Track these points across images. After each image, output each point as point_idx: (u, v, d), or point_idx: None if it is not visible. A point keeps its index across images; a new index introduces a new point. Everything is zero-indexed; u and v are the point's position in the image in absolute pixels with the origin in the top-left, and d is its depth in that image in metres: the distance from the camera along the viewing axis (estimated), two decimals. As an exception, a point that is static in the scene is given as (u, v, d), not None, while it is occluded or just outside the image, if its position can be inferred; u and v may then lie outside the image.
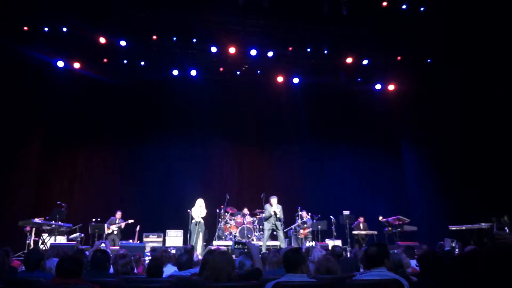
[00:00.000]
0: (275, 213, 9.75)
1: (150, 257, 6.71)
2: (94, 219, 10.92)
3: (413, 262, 5.42)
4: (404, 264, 4.30)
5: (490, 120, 11.52)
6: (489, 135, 11.50)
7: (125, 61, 12.46)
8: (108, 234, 11.19)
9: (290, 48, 12.36)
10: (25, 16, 10.77)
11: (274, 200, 9.91)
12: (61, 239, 10.22)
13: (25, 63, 11.30)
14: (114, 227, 11.34)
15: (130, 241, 11.01)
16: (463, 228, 10.66)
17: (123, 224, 11.48)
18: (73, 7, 10.60)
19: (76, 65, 12.34)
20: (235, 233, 11.46)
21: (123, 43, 11.60)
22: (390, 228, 11.54)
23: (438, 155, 12.67)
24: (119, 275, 4.07)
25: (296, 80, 13.50)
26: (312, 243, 10.32)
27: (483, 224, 10.36)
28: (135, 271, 4.82)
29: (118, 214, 11.57)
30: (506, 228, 9.82)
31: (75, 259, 3.36)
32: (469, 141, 11.86)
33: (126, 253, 4.84)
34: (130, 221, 11.50)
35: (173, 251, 7.00)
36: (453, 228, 10.78)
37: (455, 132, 12.22)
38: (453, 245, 8.09)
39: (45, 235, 9.88)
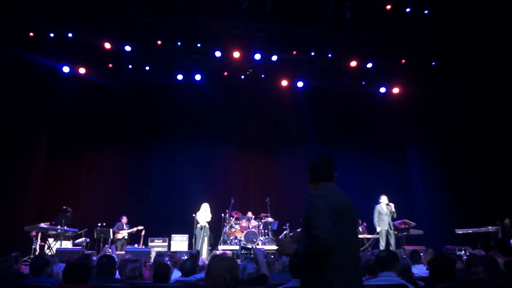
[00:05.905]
0: (390, 212, 9.72)
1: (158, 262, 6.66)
2: (99, 224, 10.94)
3: (419, 267, 5.36)
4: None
5: (495, 123, 11.46)
6: (494, 137, 11.43)
7: (130, 66, 12.49)
8: (118, 239, 11.17)
9: (294, 52, 12.34)
10: (31, 22, 10.84)
11: (385, 198, 9.87)
12: (67, 244, 10.24)
13: (31, 69, 11.33)
14: (124, 233, 11.31)
15: (136, 245, 11.01)
16: (470, 231, 10.57)
17: (134, 230, 11.46)
18: (78, 13, 10.67)
19: (82, 70, 12.36)
20: (241, 238, 11.43)
21: (127, 48, 11.64)
22: (396, 232, 11.45)
23: (443, 158, 12.61)
24: (125, 280, 4.07)
25: (300, 84, 13.47)
26: None
27: (490, 227, 10.27)
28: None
29: (124, 219, 11.56)
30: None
31: (82, 265, 3.37)
32: (474, 143, 11.80)
33: (135, 258, 4.84)
34: (140, 227, 11.48)
35: (185, 257, 6.95)
36: (460, 231, 10.70)
37: (460, 135, 12.17)
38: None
39: (51, 240, 9.92)
